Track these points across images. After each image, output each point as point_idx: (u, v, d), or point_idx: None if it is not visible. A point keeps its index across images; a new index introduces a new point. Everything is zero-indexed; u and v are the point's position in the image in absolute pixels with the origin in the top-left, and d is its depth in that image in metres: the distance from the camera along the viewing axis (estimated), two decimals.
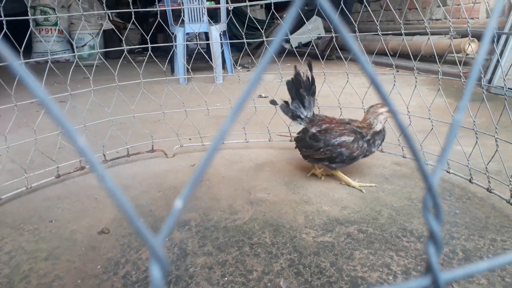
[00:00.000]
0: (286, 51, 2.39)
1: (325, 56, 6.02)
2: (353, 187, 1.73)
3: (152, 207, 1.61)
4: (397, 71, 4.66)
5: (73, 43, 2.05)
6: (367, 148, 1.70)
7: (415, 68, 1.84)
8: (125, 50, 1.99)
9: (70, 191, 1.79)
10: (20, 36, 1.61)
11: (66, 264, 1.27)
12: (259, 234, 1.39)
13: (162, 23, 2.16)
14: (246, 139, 2.25)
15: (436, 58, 1.83)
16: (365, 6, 2.10)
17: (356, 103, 2.14)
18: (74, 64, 1.87)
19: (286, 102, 1.82)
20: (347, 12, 2.04)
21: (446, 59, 4.45)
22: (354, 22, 2.01)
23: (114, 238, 1.40)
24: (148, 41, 2.06)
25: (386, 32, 1.99)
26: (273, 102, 1.89)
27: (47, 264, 1.27)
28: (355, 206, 1.58)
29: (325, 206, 1.58)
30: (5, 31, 1.57)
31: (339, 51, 2.39)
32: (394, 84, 1.90)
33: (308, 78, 1.75)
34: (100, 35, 6.69)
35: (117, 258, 1.29)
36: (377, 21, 1.88)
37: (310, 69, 1.76)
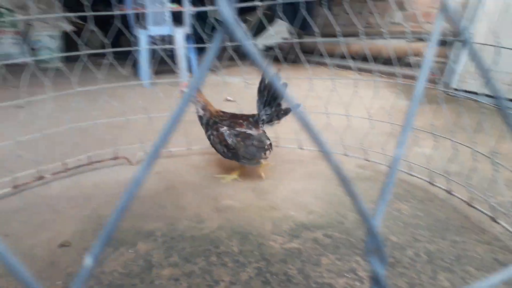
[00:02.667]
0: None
1: (290, 59, 6.08)
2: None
3: None
4: (359, 73, 4.76)
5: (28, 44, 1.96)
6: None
7: (378, 72, 1.88)
8: (81, 53, 1.92)
9: (29, 203, 1.71)
10: None
11: None
12: (226, 243, 1.38)
13: (121, 28, 2.10)
14: None
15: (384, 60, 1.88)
16: (328, 9, 2.13)
17: (320, 105, 2.16)
18: (23, 67, 1.79)
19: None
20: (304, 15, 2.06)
21: (408, 61, 4.59)
22: (310, 25, 2.03)
23: (76, 252, 1.35)
24: (108, 43, 2.00)
25: (328, 37, 2.03)
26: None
27: (2, 281, 1.20)
28: (321, 210, 1.59)
29: (292, 211, 1.59)
30: None
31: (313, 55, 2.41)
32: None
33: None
34: (60, 37, 6.45)
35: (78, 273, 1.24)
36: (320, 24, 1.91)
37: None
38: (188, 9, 4.52)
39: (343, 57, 5.80)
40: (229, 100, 3.41)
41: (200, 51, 6.30)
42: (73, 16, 7.14)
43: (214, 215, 1.57)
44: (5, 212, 1.64)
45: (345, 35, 2.12)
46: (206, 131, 1.84)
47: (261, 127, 1.82)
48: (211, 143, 1.85)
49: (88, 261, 0.22)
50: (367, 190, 1.75)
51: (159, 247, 1.36)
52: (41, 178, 1.86)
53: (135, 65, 4.88)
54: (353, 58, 5.67)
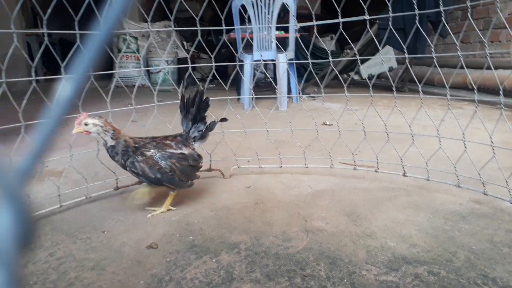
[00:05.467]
0: (349, 80, 2.30)
1: (397, 88, 5.77)
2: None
3: (203, 226, 1.55)
4: (477, 106, 4.32)
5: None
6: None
7: (502, 102, 1.64)
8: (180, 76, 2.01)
9: (128, 204, 1.79)
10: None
11: (111, 276, 1.23)
12: (313, 266, 1.26)
13: (232, 48, 2.17)
14: (305, 164, 2.14)
15: None
16: (441, 37, 1.96)
17: (427, 133, 1.96)
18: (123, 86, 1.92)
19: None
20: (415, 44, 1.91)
21: None
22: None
23: (161, 254, 1.35)
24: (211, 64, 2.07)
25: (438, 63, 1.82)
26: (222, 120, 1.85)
27: (93, 274, 1.24)
28: (426, 244, 1.39)
29: (391, 242, 1.41)
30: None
31: (417, 83, 2.23)
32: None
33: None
34: (175, 63, 7.04)
35: (161, 275, 1.23)
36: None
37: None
38: (293, 36, 4.59)
39: (457, 87, 5.34)
40: (326, 124, 3.31)
41: (301, 79, 6.34)
42: (189, 44, 7.77)
43: (302, 235, 1.47)
44: (105, 210, 1.73)
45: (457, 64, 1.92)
46: (125, 161, 1.61)
47: (192, 145, 1.73)
48: (134, 172, 1.63)
49: None
50: (483, 229, 1.49)
51: (241, 260, 1.29)
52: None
53: (238, 90, 5.07)
54: (469, 88, 5.18)
